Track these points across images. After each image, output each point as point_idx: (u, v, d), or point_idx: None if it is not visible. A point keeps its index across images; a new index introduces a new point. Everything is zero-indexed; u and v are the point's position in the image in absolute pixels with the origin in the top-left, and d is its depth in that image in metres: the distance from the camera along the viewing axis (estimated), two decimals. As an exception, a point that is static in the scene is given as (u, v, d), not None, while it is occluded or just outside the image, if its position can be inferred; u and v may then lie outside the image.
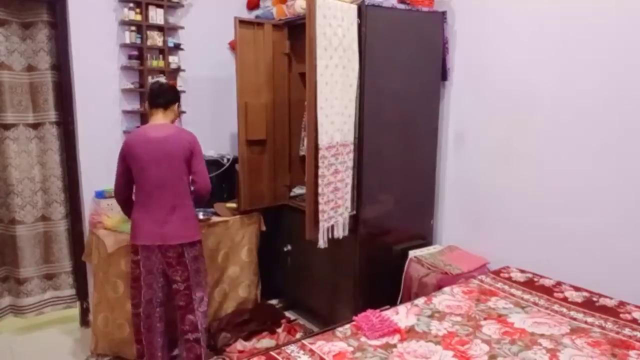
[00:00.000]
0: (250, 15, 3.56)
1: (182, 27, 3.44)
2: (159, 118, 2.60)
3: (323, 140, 2.59)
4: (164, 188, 2.52)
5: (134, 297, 2.65)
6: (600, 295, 2.34)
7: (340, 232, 2.76)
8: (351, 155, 2.75)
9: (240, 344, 3.03)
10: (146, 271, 2.58)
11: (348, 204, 2.78)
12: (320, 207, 2.62)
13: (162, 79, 2.66)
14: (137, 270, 2.59)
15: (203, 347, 2.70)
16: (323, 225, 2.65)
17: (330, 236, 2.71)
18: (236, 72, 3.14)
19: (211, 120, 3.69)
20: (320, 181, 2.60)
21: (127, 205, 2.69)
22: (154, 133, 2.53)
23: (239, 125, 3.19)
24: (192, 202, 2.63)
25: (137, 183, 2.58)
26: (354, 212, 2.83)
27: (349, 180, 2.77)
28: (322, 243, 2.67)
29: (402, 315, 2.13)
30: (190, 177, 2.62)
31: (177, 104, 2.70)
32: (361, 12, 2.64)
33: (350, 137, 2.74)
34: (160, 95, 2.61)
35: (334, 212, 2.71)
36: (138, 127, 3.19)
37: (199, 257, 2.67)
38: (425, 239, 3.20)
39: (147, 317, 2.65)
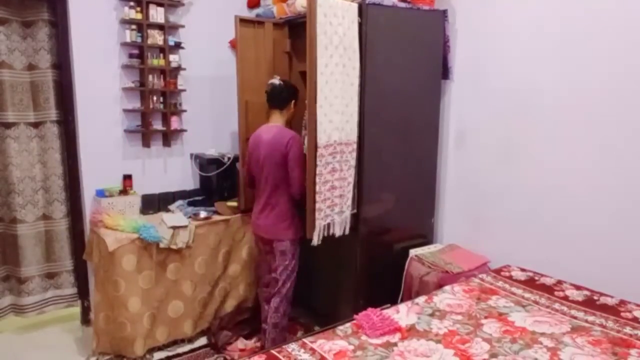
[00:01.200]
0: (250, 14, 3.55)
1: (182, 26, 3.43)
2: (274, 119, 2.82)
3: (321, 139, 2.58)
4: (264, 188, 2.78)
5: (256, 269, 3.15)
6: (601, 294, 2.34)
7: (337, 231, 2.76)
8: (354, 154, 2.75)
9: (241, 343, 3.04)
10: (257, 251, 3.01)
11: (349, 202, 2.78)
12: (317, 206, 2.62)
13: (276, 80, 2.75)
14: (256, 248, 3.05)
15: (267, 339, 2.86)
16: (319, 223, 2.65)
17: (326, 234, 2.71)
18: (237, 71, 3.14)
19: (212, 119, 3.69)
20: (317, 179, 2.60)
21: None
22: (264, 135, 2.77)
23: (239, 124, 3.19)
24: (289, 201, 2.78)
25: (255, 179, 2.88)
26: (355, 210, 2.83)
27: (351, 179, 2.77)
28: (315, 241, 2.67)
29: (402, 313, 2.13)
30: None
31: (293, 101, 2.84)
32: (362, 10, 2.63)
33: (353, 136, 2.73)
34: (274, 96, 2.79)
35: (331, 211, 2.71)
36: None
37: (287, 253, 2.82)
38: (426, 237, 3.20)
39: (261, 285, 3.03)
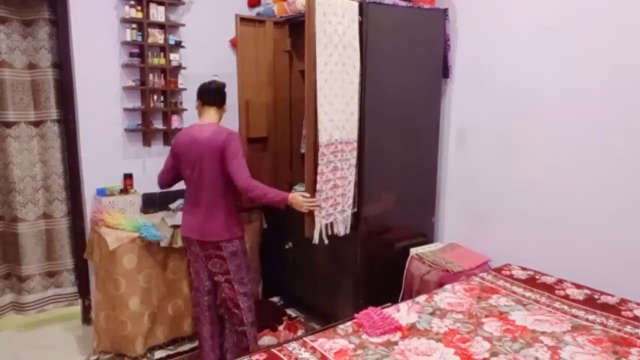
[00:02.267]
0: (251, 13, 3.55)
1: (183, 25, 3.43)
2: (210, 117, 2.64)
3: (322, 138, 2.59)
4: (202, 189, 2.58)
5: (190, 282, 2.85)
6: (602, 293, 2.34)
7: (340, 230, 2.75)
8: (354, 153, 2.75)
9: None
10: (193, 259, 2.73)
11: (350, 201, 2.78)
12: (319, 204, 2.63)
13: (219, 79, 2.72)
14: (187, 257, 2.79)
15: (249, 340, 2.74)
16: (320, 222, 2.65)
17: (329, 233, 2.70)
18: (237, 70, 3.14)
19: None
20: (318, 178, 2.61)
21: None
22: (199, 134, 2.57)
23: (240, 123, 3.19)
24: (229, 200, 2.62)
25: (184, 180, 2.69)
26: (355, 209, 2.83)
27: (352, 178, 2.76)
28: (316, 239, 2.66)
29: (403, 312, 2.13)
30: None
31: (225, 104, 2.75)
32: (362, 9, 2.63)
33: (353, 134, 2.73)
34: (218, 93, 2.66)
35: (333, 210, 2.70)
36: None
37: (239, 253, 2.66)
38: (426, 236, 3.20)
39: (196, 304, 2.78)
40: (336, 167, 2.68)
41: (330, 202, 2.69)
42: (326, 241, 2.68)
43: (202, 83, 2.70)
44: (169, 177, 2.75)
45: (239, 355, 2.64)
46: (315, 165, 2.60)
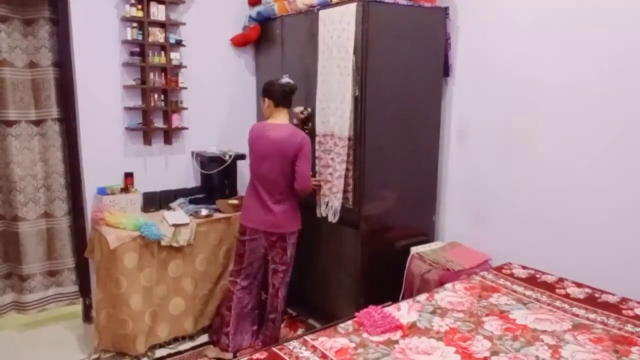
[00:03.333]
0: (251, 12, 3.55)
1: (183, 24, 3.43)
2: (281, 117, 2.81)
3: (319, 129, 2.92)
4: (271, 182, 2.78)
5: (234, 270, 3.01)
6: (603, 292, 2.34)
7: (330, 215, 2.95)
8: (346, 149, 2.82)
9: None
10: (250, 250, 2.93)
11: (340, 195, 2.87)
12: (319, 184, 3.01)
13: (291, 80, 2.79)
14: (242, 248, 2.94)
15: (276, 327, 2.98)
16: (321, 199, 3.00)
17: (329, 212, 2.94)
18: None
19: (213, 116, 3.69)
20: (317, 162, 2.98)
21: None
22: (274, 132, 2.75)
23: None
24: (294, 195, 2.83)
25: (252, 172, 2.89)
26: (351, 205, 2.87)
27: (342, 173, 2.85)
28: (319, 213, 3.01)
29: (404, 311, 2.13)
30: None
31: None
32: (364, 8, 2.63)
33: (345, 131, 2.79)
34: (288, 95, 2.80)
35: (329, 192, 2.94)
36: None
37: (296, 246, 2.90)
38: (427, 235, 3.20)
39: (232, 292, 2.98)
40: (333, 158, 2.87)
41: (329, 185, 2.93)
42: (330, 219, 2.92)
43: (270, 83, 2.83)
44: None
45: (264, 342, 2.94)
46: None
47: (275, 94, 2.79)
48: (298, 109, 3.09)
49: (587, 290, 2.37)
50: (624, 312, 2.14)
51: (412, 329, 1.97)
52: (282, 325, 3.23)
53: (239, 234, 2.97)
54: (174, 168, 3.58)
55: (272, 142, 2.73)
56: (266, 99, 2.82)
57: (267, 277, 2.99)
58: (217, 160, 3.39)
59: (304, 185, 2.75)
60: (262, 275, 3.02)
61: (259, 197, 2.83)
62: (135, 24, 3.20)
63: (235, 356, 2.92)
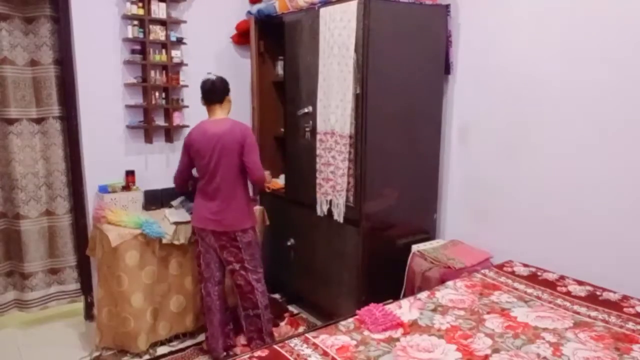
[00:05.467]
0: (252, 9, 3.54)
1: (184, 21, 3.43)
2: (218, 113, 2.77)
3: (320, 127, 2.91)
4: (219, 180, 2.70)
5: (198, 274, 2.94)
6: (604, 289, 2.33)
7: (335, 213, 2.93)
8: (347, 147, 2.80)
9: (243, 338, 3.04)
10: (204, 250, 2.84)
11: (344, 193, 2.86)
12: (317, 181, 3.00)
13: (212, 76, 2.76)
14: (197, 248, 2.87)
15: (263, 322, 2.89)
16: (321, 197, 3.00)
17: (331, 210, 2.95)
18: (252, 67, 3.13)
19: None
20: (317, 160, 2.97)
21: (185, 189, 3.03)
22: (214, 129, 2.70)
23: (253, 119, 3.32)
24: (245, 191, 2.80)
25: (199, 173, 2.80)
26: (352, 204, 2.86)
27: (345, 171, 2.84)
28: (319, 212, 3.01)
29: (405, 309, 2.13)
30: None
31: (229, 95, 2.82)
32: (365, 5, 2.62)
33: (346, 129, 2.78)
34: (213, 92, 2.75)
35: (332, 190, 2.92)
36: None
37: (253, 243, 2.82)
38: (428, 233, 3.20)
39: (207, 294, 2.88)
40: (334, 156, 2.87)
41: (331, 184, 2.91)
42: (336, 217, 2.91)
43: (201, 81, 2.78)
44: (186, 175, 2.89)
45: (252, 338, 2.90)
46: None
47: (202, 93, 2.77)
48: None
49: (588, 288, 2.36)
50: (625, 309, 2.14)
51: (413, 327, 1.98)
52: (284, 323, 3.24)
53: (192, 234, 2.92)
54: (175, 166, 3.55)
55: (212, 138, 2.67)
56: (200, 99, 2.80)
57: (228, 276, 2.92)
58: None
59: (258, 175, 2.71)
60: (222, 274, 2.91)
61: (206, 196, 2.75)
62: (136, 22, 3.20)
63: (228, 355, 2.91)
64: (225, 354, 2.92)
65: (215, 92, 2.75)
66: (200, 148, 2.71)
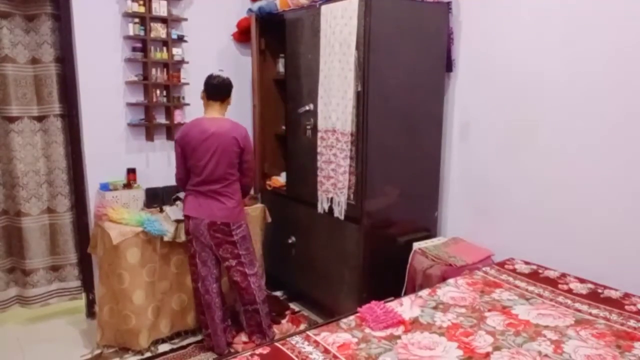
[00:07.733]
0: (253, 7, 3.54)
1: (185, 19, 3.42)
2: (216, 111, 2.79)
3: (321, 125, 2.92)
4: (215, 178, 2.72)
5: (192, 273, 2.92)
6: (605, 287, 2.33)
7: (335, 210, 2.93)
8: (348, 145, 2.80)
9: (245, 335, 3.05)
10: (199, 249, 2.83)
11: (345, 190, 2.86)
12: (319, 179, 3.00)
13: (224, 74, 2.77)
14: (192, 248, 2.85)
15: (262, 317, 2.94)
16: (321, 195, 3.00)
17: (332, 208, 2.95)
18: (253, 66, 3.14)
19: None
20: (318, 157, 2.99)
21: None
22: (211, 127, 2.70)
23: (254, 118, 3.33)
24: (239, 188, 2.83)
25: (193, 170, 2.78)
26: (353, 201, 2.86)
27: (347, 168, 2.84)
28: (320, 209, 3.02)
29: (406, 306, 2.13)
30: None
31: (230, 96, 2.86)
32: (366, 3, 2.62)
33: (348, 127, 2.78)
34: (222, 89, 2.78)
35: (333, 187, 2.92)
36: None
37: (247, 237, 2.86)
38: (429, 230, 3.20)
39: (206, 292, 2.87)
40: (335, 154, 2.88)
41: (332, 181, 2.92)
42: (337, 214, 2.91)
43: (208, 75, 2.81)
44: (186, 174, 2.85)
45: (253, 332, 2.93)
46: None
47: (207, 87, 2.79)
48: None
49: (589, 285, 2.36)
50: (626, 307, 2.14)
51: (414, 324, 1.98)
52: (285, 320, 3.24)
53: (185, 234, 2.89)
54: (176, 164, 3.58)
55: (212, 138, 2.67)
56: (203, 92, 2.81)
57: (224, 272, 2.95)
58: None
59: (250, 178, 2.86)
60: (220, 271, 2.92)
61: (201, 193, 2.75)
62: (137, 20, 3.20)
63: (229, 352, 2.91)
64: (227, 350, 2.93)
65: (222, 90, 2.78)
66: (197, 147, 2.70)
